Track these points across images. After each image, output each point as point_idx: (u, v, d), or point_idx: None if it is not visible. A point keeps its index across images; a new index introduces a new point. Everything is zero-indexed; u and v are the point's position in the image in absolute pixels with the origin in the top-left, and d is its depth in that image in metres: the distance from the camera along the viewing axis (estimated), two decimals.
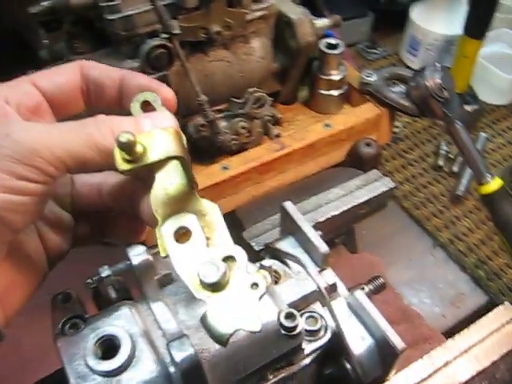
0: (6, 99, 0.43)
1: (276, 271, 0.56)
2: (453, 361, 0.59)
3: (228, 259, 0.41)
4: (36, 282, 0.46)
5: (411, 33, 1.43)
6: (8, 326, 0.43)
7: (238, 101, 0.78)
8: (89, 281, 0.45)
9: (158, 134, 0.41)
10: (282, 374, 0.49)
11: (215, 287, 0.40)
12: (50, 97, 0.46)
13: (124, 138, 0.38)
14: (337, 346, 0.53)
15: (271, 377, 0.49)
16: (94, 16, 0.71)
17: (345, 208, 0.74)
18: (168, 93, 0.46)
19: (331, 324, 0.53)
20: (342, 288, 0.58)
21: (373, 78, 0.87)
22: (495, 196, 0.85)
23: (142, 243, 0.47)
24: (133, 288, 0.49)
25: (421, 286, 1.07)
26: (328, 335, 0.53)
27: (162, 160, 0.41)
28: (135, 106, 0.45)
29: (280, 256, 0.59)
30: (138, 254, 0.45)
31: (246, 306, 0.40)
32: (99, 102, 0.48)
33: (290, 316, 0.46)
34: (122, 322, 0.44)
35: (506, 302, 0.64)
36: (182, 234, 0.42)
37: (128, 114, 0.45)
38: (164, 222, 0.42)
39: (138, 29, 0.70)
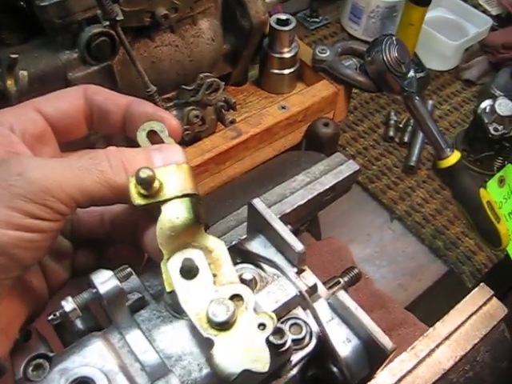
0: (11, 127, 0.44)
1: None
2: (436, 349, 0.58)
3: (235, 298, 0.40)
4: (38, 313, 0.45)
5: (353, 0, 1.40)
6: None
7: (188, 88, 0.73)
8: (51, 317, 0.40)
9: (173, 171, 0.41)
10: None
11: (223, 326, 0.38)
12: (54, 123, 0.47)
13: (145, 174, 0.38)
14: (322, 351, 0.51)
15: None
16: (23, 2, 0.63)
17: (311, 196, 0.71)
18: (174, 123, 0.46)
19: (315, 329, 0.50)
20: (321, 288, 0.55)
21: (326, 54, 0.83)
22: (455, 169, 0.84)
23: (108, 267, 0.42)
24: (100, 316, 0.44)
25: (381, 261, 1.07)
26: (313, 341, 0.50)
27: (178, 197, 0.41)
28: (141, 136, 0.44)
29: (252, 258, 0.56)
30: (104, 281, 0.40)
31: (253, 347, 0.38)
32: (103, 127, 0.48)
33: (277, 332, 0.43)
34: (94, 359, 0.40)
35: (482, 284, 0.63)
36: (189, 270, 0.40)
37: (130, 140, 0.46)
38: (170, 257, 0.41)
39: (75, 15, 0.63)
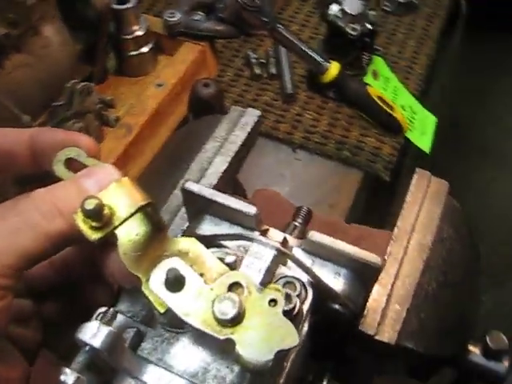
0: None
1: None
2: (408, 245, 0.59)
3: (233, 287, 0.37)
4: (23, 381, 0.41)
5: None
6: None
7: (59, 103, 0.66)
8: None
9: (116, 189, 0.38)
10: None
11: (236, 320, 0.35)
12: None
13: (91, 205, 0.35)
14: (319, 295, 0.49)
15: None
16: None
17: (230, 158, 0.68)
18: (89, 141, 0.42)
19: (305, 279, 0.49)
20: (290, 239, 0.53)
21: (177, 17, 0.79)
22: (339, 78, 0.84)
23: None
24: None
25: (303, 192, 1.07)
26: (310, 291, 0.48)
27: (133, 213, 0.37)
28: (59, 168, 0.41)
29: (209, 242, 0.52)
30: (94, 334, 0.36)
31: (274, 326, 0.35)
32: (11, 169, 0.44)
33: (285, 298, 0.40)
34: None
35: (417, 169, 0.65)
36: (175, 282, 0.36)
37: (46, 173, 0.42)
38: (148, 277, 0.37)
39: None
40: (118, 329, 0.38)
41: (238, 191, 0.85)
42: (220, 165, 0.66)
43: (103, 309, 0.40)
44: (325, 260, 0.51)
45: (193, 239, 0.40)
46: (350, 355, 0.60)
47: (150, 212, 0.39)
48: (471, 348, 0.64)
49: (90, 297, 0.45)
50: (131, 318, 0.42)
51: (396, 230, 0.59)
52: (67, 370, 0.35)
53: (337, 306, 0.50)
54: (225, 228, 0.53)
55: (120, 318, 0.40)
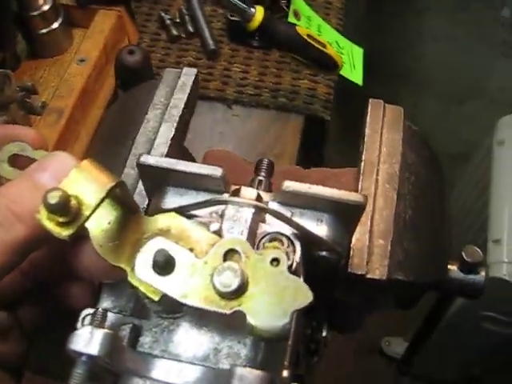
0: None
1: None
2: (378, 178, 0.57)
3: (228, 255, 0.33)
4: None
5: None
6: None
7: None
8: None
9: (77, 176, 0.33)
10: None
11: (241, 290, 0.32)
12: None
13: (55, 199, 0.30)
14: (305, 246, 0.47)
15: None
16: None
17: (175, 124, 0.63)
18: (30, 132, 0.38)
19: (289, 232, 0.46)
20: (262, 194, 0.50)
21: None
22: (266, 23, 0.80)
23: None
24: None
25: (246, 149, 1.04)
26: (298, 244, 0.45)
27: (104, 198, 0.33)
28: (4, 168, 0.36)
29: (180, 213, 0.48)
30: (88, 341, 0.31)
31: (283, 287, 0.33)
32: None
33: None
34: None
35: (370, 99, 0.62)
36: (165, 264, 0.32)
37: None
38: (132, 266, 0.33)
39: None
40: (111, 329, 0.34)
41: (186, 158, 0.81)
42: (167, 132, 0.61)
43: (89, 310, 0.35)
44: (303, 209, 0.48)
45: (172, 213, 0.37)
46: (339, 300, 0.59)
47: (118, 193, 0.34)
48: (450, 266, 0.64)
49: (67, 297, 0.40)
50: (120, 313, 0.38)
51: (362, 164, 0.57)
52: None
53: (324, 253, 0.48)
54: (191, 197, 0.49)
55: (110, 316, 0.35)
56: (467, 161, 1.69)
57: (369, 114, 0.61)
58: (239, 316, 0.32)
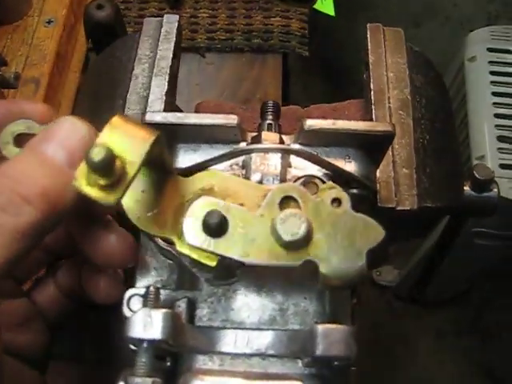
0: None
1: None
2: (390, 105, 0.53)
3: (284, 203, 0.30)
4: None
5: None
6: None
7: None
8: None
9: (111, 133, 0.28)
10: None
11: (308, 238, 0.29)
12: None
13: (100, 155, 0.26)
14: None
15: None
16: None
17: (167, 76, 0.58)
18: (37, 108, 0.33)
19: (320, 173, 0.42)
20: (284, 138, 0.46)
21: None
22: None
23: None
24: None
25: (228, 97, 0.98)
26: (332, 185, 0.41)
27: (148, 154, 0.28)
28: (10, 151, 0.31)
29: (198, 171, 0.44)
30: (150, 325, 0.27)
31: (350, 228, 0.30)
32: None
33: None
34: None
35: (368, 24, 0.58)
36: (218, 226, 0.29)
37: None
38: (179, 234, 0.30)
39: None
40: (168, 307, 0.30)
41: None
42: (160, 87, 0.56)
43: (133, 290, 0.31)
44: (327, 147, 0.45)
45: (211, 171, 0.32)
46: None
47: (155, 153, 0.29)
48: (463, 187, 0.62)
49: (92, 291, 0.35)
50: (166, 289, 0.34)
51: (372, 93, 0.53)
52: (137, 380, 0.26)
53: (355, 190, 0.45)
54: (206, 151, 0.45)
55: (162, 292, 0.31)
56: None
57: (369, 39, 0.57)
58: (308, 267, 0.28)
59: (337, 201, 0.30)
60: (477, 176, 0.64)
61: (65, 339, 0.41)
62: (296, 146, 0.44)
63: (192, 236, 0.29)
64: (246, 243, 0.28)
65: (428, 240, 1.41)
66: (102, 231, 0.32)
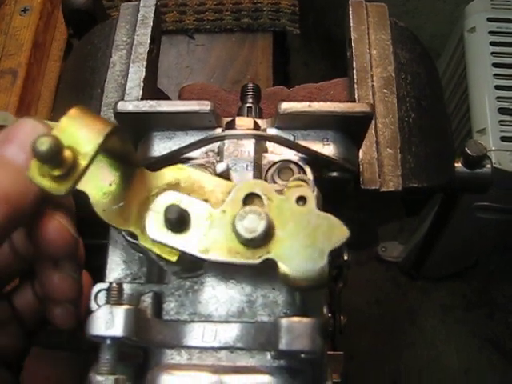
0: None
1: None
2: (374, 84, 0.52)
3: (248, 201, 0.29)
4: None
5: None
6: None
7: None
8: None
9: (68, 124, 0.27)
10: None
11: (268, 235, 0.28)
12: None
13: (45, 145, 0.25)
14: (315, 170, 0.42)
15: None
16: None
17: (144, 63, 0.56)
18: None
19: (295, 158, 0.41)
20: (258, 121, 0.45)
21: None
22: None
23: None
24: None
25: (218, 79, 0.97)
26: (308, 170, 0.41)
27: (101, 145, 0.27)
28: None
29: (172, 160, 0.43)
30: (111, 322, 0.27)
31: (313, 227, 0.28)
32: None
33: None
34: None
35: (350, 0, 0.56)
36: (180, 220, 0.28)
37: None
38: (142, 228, 0.29)
39: None
40: (131, 302, 0.30)
41: (161, 98, 0.74)
42: (137, 74, 0.55)
43: (100, 286, 0.31)
44: (305, 130, 0.44)
45: (179, 165, 0.32)
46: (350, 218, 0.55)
47: (116, 144, 0.29)
48: (455, 164, 0.61)
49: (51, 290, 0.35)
50: (135, 283, 0.33)
51: (354, 72, 0.52)
52: (99, 378, 0.26)
53: (335, 174, 0.44)
54: (181, 138, 0.44)
55: (125, 288, 0.31)
56: (437, 55, 1.64)
57: (351, 16, 0.55)
58: (269, 265, 0.28)
59: (302, 199, 0.29)
60: (468, 152, 0.63)
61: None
62: (270, 132, 0.43)
63: (153, 230, 0.28)
64: (206, 240, 0.28)
65: (432, 216, 1.40)
66: (46, 219, 0.32)
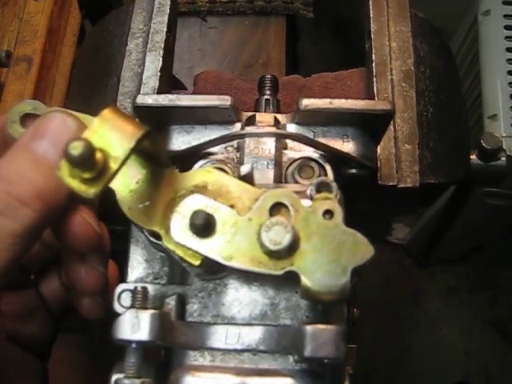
0: None
1: (219, 169, 0.40)
2: (393, 77, 0.51)
3: (275, 209, 0.29)
4: None
5: None
6: None
7: None
8: None
9: (100, 126, 0.27)
10: None
11: (292, 247, 0.28)
12: None
13: (77, 149, 0.25)
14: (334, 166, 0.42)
15: None
16: None
17: (161, 51, 0.56)
18: None
19: (315, 155, 0.41)
20: (279, 117, 0.44)
21: None
22: None
23: None
24: None
25: (230, 63, 0.96)
26: (328, 168, 0.41)
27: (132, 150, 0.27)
28: (15, 129, 0.32)
29: (191, 154, 0.43)
30: (137, 327, 0.27)
31: (339, 242, 0.28)
32: None
33: (323, 185, 0.32)
34: None
35: None
36: (205, 225, 0.28)
37: None
38: (167, 228, 0.29)
39: None
40: (155, 305, 0.30)
41: (177, 86, 0.74)
42: (154, 63, 0.55)
43: (123, 286, 0.31)
44: (325, 126, 0.43)
45: (207, 168, 0.32)
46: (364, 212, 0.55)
47: (147, 146, 0.29)
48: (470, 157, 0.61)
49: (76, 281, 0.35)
50: (157, 283, 0.33)
51: (373, 65, 0.52)
52: (126, 382, 0.26)
53: (353, 170, 0.44)
54: (200, 132, 0.44)
55: (149, 289, 0.31)
56: (448, 36, 1.61)
57: (371, 6, 0.54)
58: (292, 276, 0.28)
59: (329, 213, 0.29)
60: (484, 145, 0.62)
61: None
62: (290, 128, 0.42)
63: (178, 233, 0.28)
64: (230, 246, 0.28)
65: (440, 199, 1.40)
66: (73, 215, 0.32)
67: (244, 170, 0.32)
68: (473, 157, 0.62)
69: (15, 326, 0.36)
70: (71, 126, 0.29)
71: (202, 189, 0.30)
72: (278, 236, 0.27)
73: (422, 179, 0.48)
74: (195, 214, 0.28)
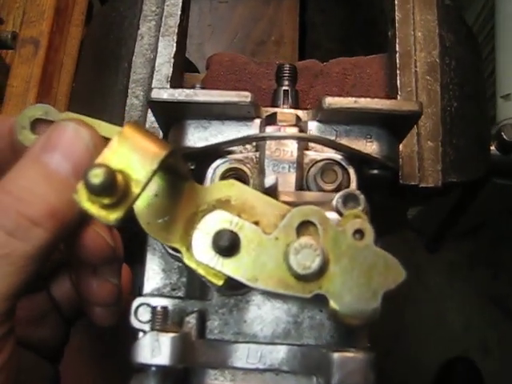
0: None
1: (237, 169, 0.38)
2: (417, 70, 0.49)
3: (302, 228, 0.27)
4: None
5: None
6: None
7: None
8: None
9: (120, 145, 0.25)
10: None
11: (322, 271, 0.26)
12: None
13: (99, 178, 0.23)
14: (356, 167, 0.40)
15: None
16: None
17: (175, 37, 0.53)
18: None
19: (338, 157, 0.39)
20: (300, 113, 0.42)
21: None
22: None
23: None
24: None
25: (241, 41, 0.93)
26: (352, 171, 0.39)
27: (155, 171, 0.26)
28: (25, 135, 0.30)
29: (208, 152, 0.41)
30: (158, 350, 0.26)
31: (370, 264, 0.27)
32: None
33: (350, 198, 0.31)
34: None
35: None
36: (229, 244, 0.27)
37: None
38: (188, 245, 0.27)
39: None
40: (176, 326, 0.29)
41: (189, 68, 0.71)
42: (167, 49, 0.52)
43: (140, 300, 0.30)
44: (349, 124, 0.41)
45: (230, 181, 0.30)
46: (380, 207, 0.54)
47: (170, 162, 0.27)
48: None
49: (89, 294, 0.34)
50: (174, 294, 0.32)
51: (397, 56, 0.49)
52: None
53: (376, 171, 0.42)
54: (216, 128, 0.42)
55: (167, 303, 0.30)
56: (463, 8, 1.56)
57: None
58: (321, 300, 0.27)
59: (360, 232, 0.27)
60: (504, 137, 0.60)
61: None
62: (312, 128, 0.40)
63: (200, 252, 0.27)
64: (255, 267, 0.26)
65: None
66: (87, 226, 0.31)
67: (268, 182, 0.30)
68: (492, 148, 0.61)
69: (28, 330, 0.35)
70: (85, 137, 0.28)
71: (224, 203, 0.28)
72: (307, 260, 0.26)
73: (444, 178, 0.46)
74: (219, 234, 0.26)
